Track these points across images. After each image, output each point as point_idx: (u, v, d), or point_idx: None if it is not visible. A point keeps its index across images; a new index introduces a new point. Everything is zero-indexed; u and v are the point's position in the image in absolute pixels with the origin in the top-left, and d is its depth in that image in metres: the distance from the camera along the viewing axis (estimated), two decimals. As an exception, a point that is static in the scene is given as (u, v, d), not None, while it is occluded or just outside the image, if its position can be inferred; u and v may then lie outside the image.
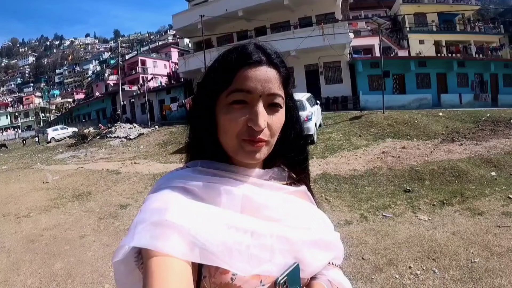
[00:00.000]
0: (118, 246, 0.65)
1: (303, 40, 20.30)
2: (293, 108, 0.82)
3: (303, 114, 11.30)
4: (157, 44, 60.25)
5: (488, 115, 14.97)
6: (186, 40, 39.06)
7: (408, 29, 30.21)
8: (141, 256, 0.64)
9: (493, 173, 7.36)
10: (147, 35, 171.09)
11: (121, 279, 0.69)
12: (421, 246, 4.30)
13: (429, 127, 12.97)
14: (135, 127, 22.78)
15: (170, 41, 55.15)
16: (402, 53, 28.44)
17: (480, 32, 32.48)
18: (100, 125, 29.06)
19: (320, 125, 13.96)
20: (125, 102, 34.80)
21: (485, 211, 5.44)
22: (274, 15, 23.80)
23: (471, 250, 4.09)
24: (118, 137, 20.59)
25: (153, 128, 21.73)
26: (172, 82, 33.49)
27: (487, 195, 6.21)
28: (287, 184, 0.83)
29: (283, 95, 0.75)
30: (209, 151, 0.77)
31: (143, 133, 20.41)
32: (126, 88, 35.71)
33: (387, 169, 8.13)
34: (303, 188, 0.87)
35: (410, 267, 3.76)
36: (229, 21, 24.09)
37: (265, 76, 0.71)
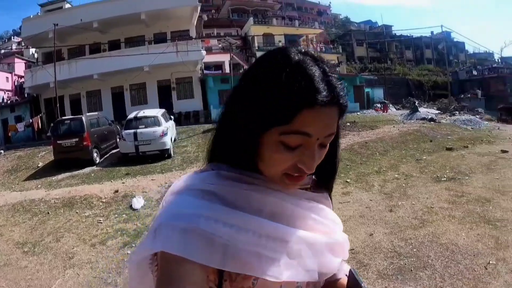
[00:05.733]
0: (137, 247, 0.63)
1: (157, 56, 20.39)
2: (339, 137, 0.77)
3: (158, 129, 11.73)
4: (-2, 52, 51.88)
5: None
6: (32, 50, 35.14)
7: (257, 47, 33.21)
8: (156, 258, 0.63)
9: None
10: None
11: (134, 282, 0.69)
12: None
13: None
14: (-26, 152, 19.42)
15: (14, 49, 48.33)
16: (250, 69, 30.77)
17: (321, 51, 37.37)
18: None
19: (175, 140, 14.46)
20: (-43, 120, 29.29)
21: (328, 193, 6.90)
22: (130, 29, 23.28)
23: (319, 221, 5.38)
24: (-46, 164, 17.18)
25: (-3, 152, 18.89)
26: (17, 98, 29.85)
27: (328, 182, 7.74)
28: (309, 187, 0.81)
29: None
30: (237, 158, 0.70)
31: (-15, 159, 17.56)
32: (-43, 104, 30.30)
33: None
34: (323, 192, 0.83)
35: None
36: (82, 31, 22.35)
37: (330, 118, 0.63)
